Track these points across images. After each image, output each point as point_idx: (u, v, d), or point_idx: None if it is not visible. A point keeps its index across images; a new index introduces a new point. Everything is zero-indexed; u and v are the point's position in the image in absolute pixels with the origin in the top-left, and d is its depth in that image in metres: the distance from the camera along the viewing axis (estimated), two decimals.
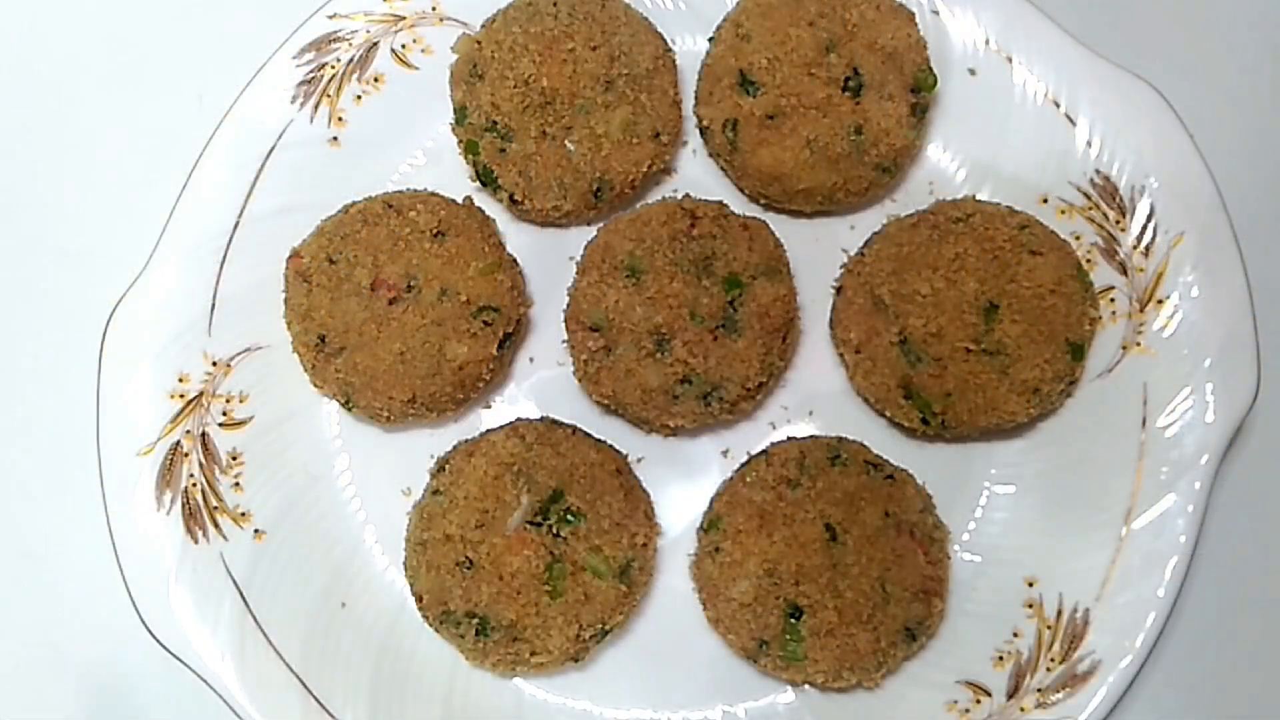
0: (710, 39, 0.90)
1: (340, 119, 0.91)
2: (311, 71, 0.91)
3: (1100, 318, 0.86)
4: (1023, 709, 0.80)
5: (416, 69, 0.93)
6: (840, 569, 0.78)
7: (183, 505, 0.84)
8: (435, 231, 0.84)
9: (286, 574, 0.84)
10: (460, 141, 0.89)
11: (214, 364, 0.87)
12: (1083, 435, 0.85)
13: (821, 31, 0.86)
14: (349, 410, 0.85)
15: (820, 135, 0.85)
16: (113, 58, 1.01)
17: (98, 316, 0.85)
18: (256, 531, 0.85)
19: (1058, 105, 0.89)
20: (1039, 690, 0.80)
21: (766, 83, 0.86)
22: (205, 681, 0.80)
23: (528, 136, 0.86)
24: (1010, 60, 0.90)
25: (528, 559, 0.78)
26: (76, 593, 0.90)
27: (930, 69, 0.87)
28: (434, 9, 0.93)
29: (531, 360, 0.91)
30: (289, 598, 0.84)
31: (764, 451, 0.84)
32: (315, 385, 0.86)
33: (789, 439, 0.85)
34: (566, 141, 0.86)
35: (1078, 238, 0.88)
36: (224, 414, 0.87)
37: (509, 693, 0.84)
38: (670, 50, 0.90)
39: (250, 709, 0.80)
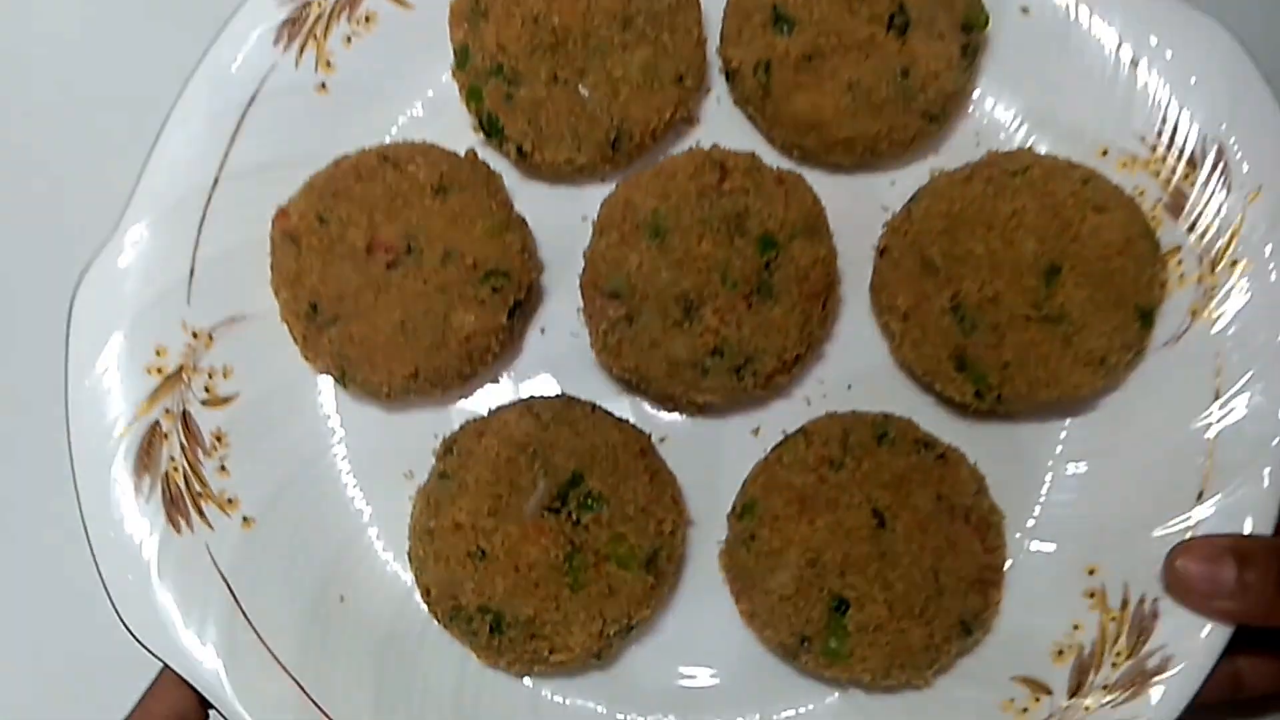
0: None
1: (328, 64, 0.86)
2: (295, 10, 0.85)
3: (1168, 280, 0.81)
4: (1087, 708, 0.75)
5: (412, 7, 0.87)
6: (889, 558, 0.74)
7: (163, 491, 0.79)
8: (436, 187, 0.80)
9: (279, 566, 0.80)
10: (462, 87, 0.84)
11: (194, 335, 0.82)
12: (1148, 410, 0.80)
13: None
14: (344, 386, 0.82)
15: (863, 78, 0.80)
16: (80, 4, 0.98)
17: (64, 284, 0.81)
18: (245, 519, 0.81)
19: (1120, 47, 0.84)
20: (1104, 688, 0.75)
21: (803, 19, 0.81)
22: (191, 685, 0.76)
23: (537, 81, 0.82)
24: None
25: (545, 548, 0.74)
26: (50, 586, 0.88)
27: (982, 5, 0.82)
28: None
29: (543, 331, 0.86)
30: (282, 592, 0.80)
31: (802, 429, 0.79)
32: (306, 358, 0.82)
33: (830, 415, 0.80)
34: (580, 86, 0.82)
35: (1141, 193, 0.82)
36: (206, 390, 0.82)
37: (525, 695, 0.80)
38: None
39: (242, 714, 0.75)
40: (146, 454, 0.79)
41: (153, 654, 0.76)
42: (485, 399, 0.85)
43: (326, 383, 0.85)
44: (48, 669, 0.87)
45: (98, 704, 0.78)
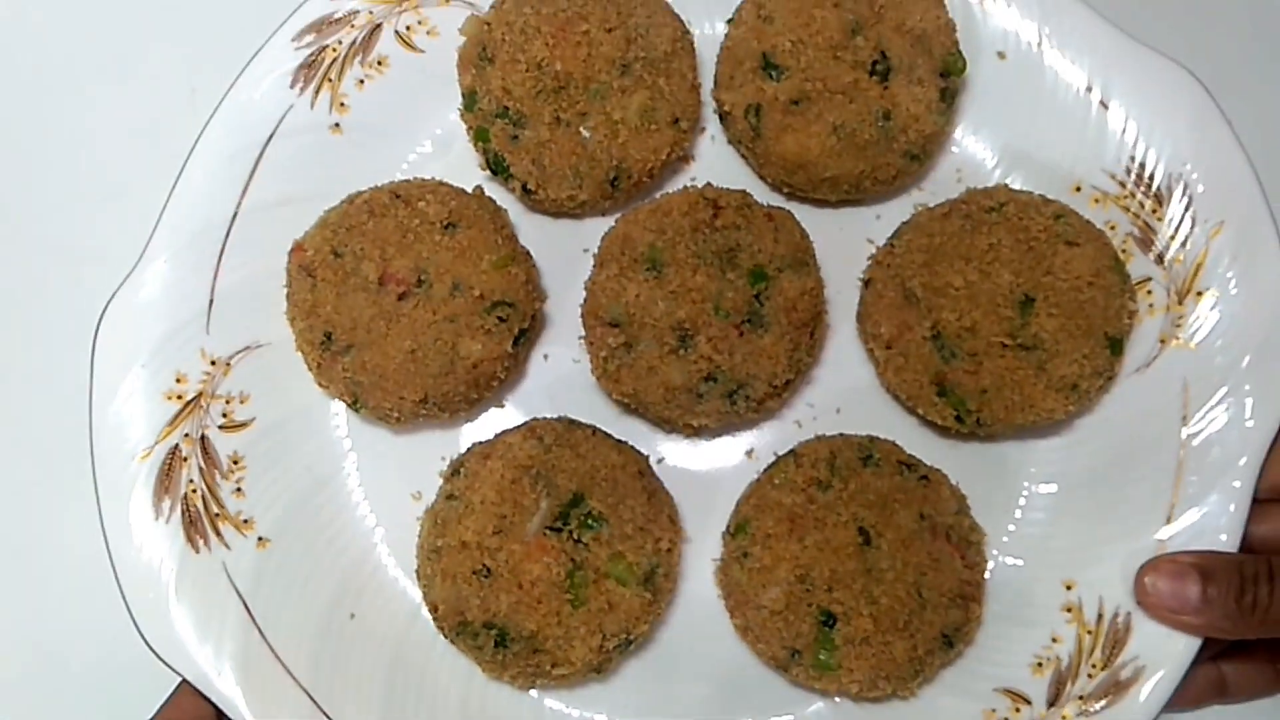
0: (729, 21, 0.87)
1: (342, 105, 0.88)
2: (312, 55, 0.87)
3: (1137, 310, 0.83)
4: (1064, 717, 0.77)
5: (422, 51, 0.89)
6: (874, 574, 0.76)
7: (182, 512, 0.80)
8: (445, 223, 0.82)
9: (293, 584, 0.81)
10: (470, 128, 0.86)
11: (212, 363, 0.83)
12: (1121, 433, 0.83)
13: (847, 13, 0.84)
14: (356, 411, 0.83)
15: (847, 121, 0.83)
16: (103, 46, 0.99)
17: (90, 315, 0.82)
18: (260, 539, 0.82)
19: (1090, 90, 0.87)
20: (1080, 698, 0.77)
21: (790, 66, 0.83)
22: (208, 699, 0.77)
23: (541, 123, 0.84)
24: (1041, 43, 0.88)
25: (548, 566, 0.75)
26: (74, 605, 0.89)
27: (959, 52, 0.85)
28: None
29: (546, 358, 0.88)
30: (295, 609, 0.81)
31: (792, 451, 0.82)
32: (320, 385, 0.83)
33: (818, 438, 0.82)
34: (581, 128, 0.84)
35: (1112, 227, 0.86)
36: (224, 416, 0.83)
37: (528, 706, 0.81)
38: (688, 32, 0.88)
39: None
40: (167, 477, 0.80)
41: (172, 669, 0.77)
42: (491, 422, 0.86)
43: (339, 407, 0.85)
44: (74, 677, 0.88)
45: (120, 711, 0.80)
